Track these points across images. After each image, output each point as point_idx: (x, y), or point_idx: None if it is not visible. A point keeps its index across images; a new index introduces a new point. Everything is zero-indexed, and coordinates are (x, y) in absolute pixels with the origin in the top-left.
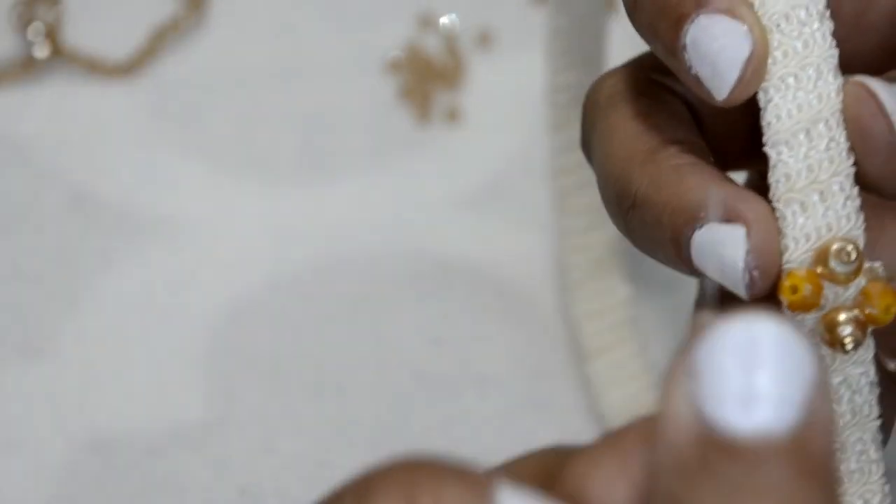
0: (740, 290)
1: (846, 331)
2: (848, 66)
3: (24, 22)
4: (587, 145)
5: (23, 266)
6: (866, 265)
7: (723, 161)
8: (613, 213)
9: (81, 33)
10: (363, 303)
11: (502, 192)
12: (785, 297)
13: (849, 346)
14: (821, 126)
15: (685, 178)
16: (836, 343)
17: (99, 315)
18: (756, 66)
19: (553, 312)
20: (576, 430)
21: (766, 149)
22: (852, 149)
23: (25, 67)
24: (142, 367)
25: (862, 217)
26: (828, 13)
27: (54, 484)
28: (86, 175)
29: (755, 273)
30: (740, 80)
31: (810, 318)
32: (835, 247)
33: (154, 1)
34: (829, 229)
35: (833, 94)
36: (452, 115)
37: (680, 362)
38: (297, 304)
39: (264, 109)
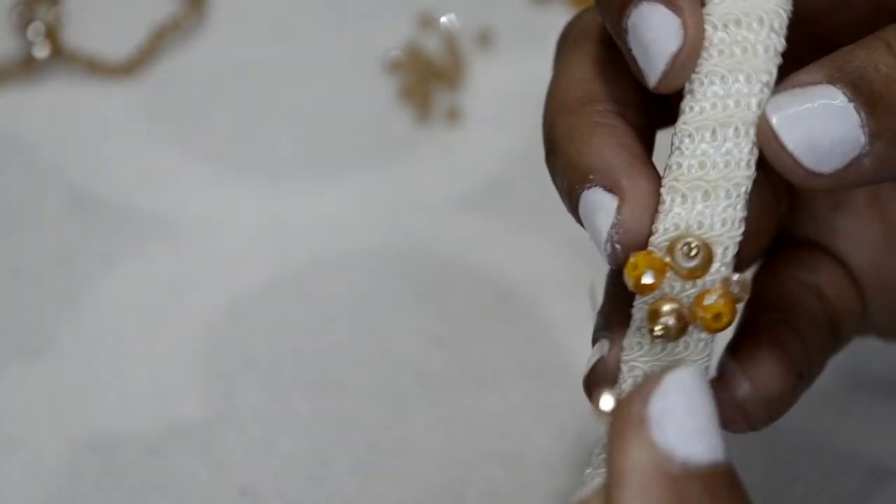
0: (603, 258)
1: (661, 320)
2: (836, 34)
3: (24, 22)
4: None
5: (23, 266)
6: (722, 272)
7: (668, 117)
8: (545, 150)
9: (81, 33)
10: (363, 303)
11: (502, 192)
12: (627, 275)
13: (656, 333)
14: (729, 130)
15: (594, 137)
16: (650, 329)
17: (99, 315)
18: (683, 61)
19: (553, 312)
20: (576, 430)
21: (673, 135)
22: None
23: (25, 67)
24: (142, 367)
25: (741, 228)
26: (783, 32)
27: (54, 484)
28: (86, 175)
29: (616, 246)
30: (666, 71)
31: (648, 300)
32: (682, 241)
33: (154, 1)
34: (699, 227)
35: (753, 106)
36: (452, 115)
37: (626, 421)
38: (297, 303)
39: (264, 109)
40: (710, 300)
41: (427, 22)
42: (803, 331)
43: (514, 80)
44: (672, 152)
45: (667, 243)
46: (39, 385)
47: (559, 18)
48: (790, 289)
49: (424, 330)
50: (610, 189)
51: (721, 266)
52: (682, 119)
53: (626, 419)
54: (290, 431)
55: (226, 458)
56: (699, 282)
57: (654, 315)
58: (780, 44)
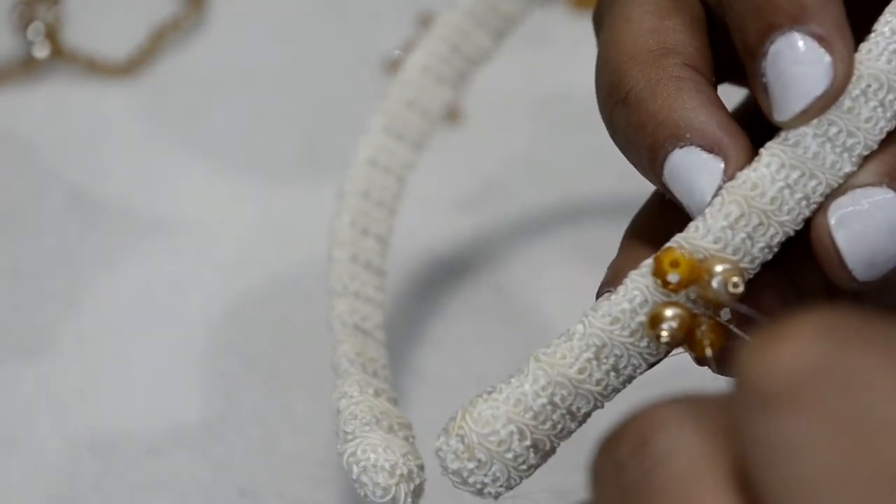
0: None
1: (665, 326)
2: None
3: (24, 22)
4: (599, 19)
5: (23, 266)
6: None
7: (724, 72)
8: (601, 102)
9: (81, 33)
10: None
11: (502, 192)
12: (661, 258)
13: (663, 339)
14: (811, 182)
15: (683, 93)
16: (656, 336)
17: (99, 315)
18: (822, 105)
19: (552, 313)
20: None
21: (765, 150)
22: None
23: (25, 67)
24: (142, 367)
25: (751, 275)
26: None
27: (54, 484)
28: (86, 175)
29: None
30: (804, 111)
31: (657, 293)
32: (732, 271)
33: (154, 1)
34: (735, 253)
35: (842, 171)
36: (452, 115)
37: None
38: (297, 304)
39: (264, 109)
40: (701, 336)
41: (427, 22)
42: (801, 287)
43: (514, 80)
44: (757, 159)
45: (710, 255)
46: (39, 385)
47: (559, 18)
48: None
49: (424, 330)
50: (710, 150)
51: None
52: (781, 142)
53: None
54: (290, 431)
55: (226, 458)
56: (709, 309)
57: (657, 319)
58: (892, 126)
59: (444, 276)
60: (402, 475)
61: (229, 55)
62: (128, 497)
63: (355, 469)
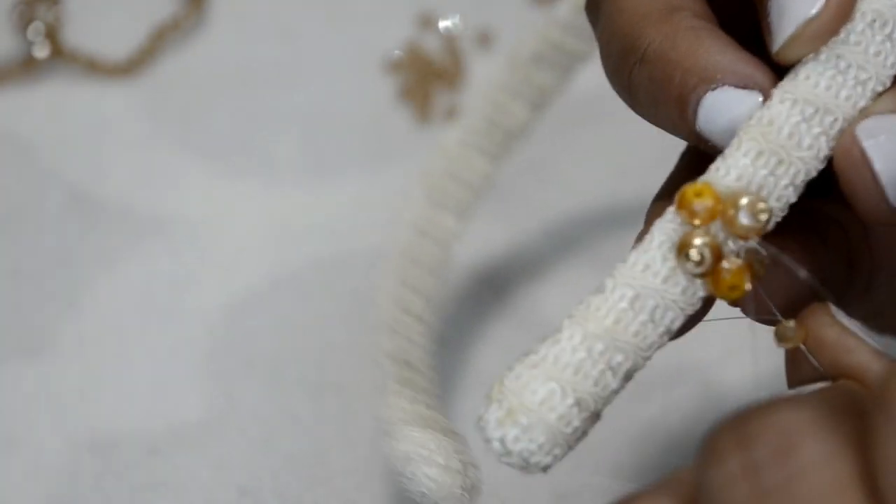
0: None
1: (694, 252)
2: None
3: (24, 22)
4: (594, 5)
5: (23, 266)
6: (754, 242)
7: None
8: (615, 70)
9: (81, 33)
10: (363, 303)
11: (502, 192)
12: (683, 191)
13: (693, 260)
14: (828, 118)
15: (703, 39)
16: (680, 252)
17: (99, 315)
18: (815, 30)
19: (552, 312)
20: None
21: (777, 89)
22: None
23: (25, 67)
24: (142, 367)
25: (783, 213)
26: None
27: (54, 484)
28: (86, 175)
29: None
30: (793, 36)
31: (684, 226)
32: (757, 199)
33: (154, 1)
34: (760, 189)
35: (857, 105)
36: (452, 116)
37: None
38: (297, 303)
39: (264, 109)
40: (730, 266)
41: (427, 22)
42: (828, 245)
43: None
44: (771, 100)
45: (732, 190)
46: (39, 384)
47: None
48: (826, 217)
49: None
50: (744, 86)
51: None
52: (791, 82)
53: (830, 330)
54: (290, 431)
55: (226, 458)
56: (738, 241)
57: (685, 246)
58: None
59: (444, 276)
60: (456, 470)
61: (229, 55)
62: (128, 497)
63: (410, 466)
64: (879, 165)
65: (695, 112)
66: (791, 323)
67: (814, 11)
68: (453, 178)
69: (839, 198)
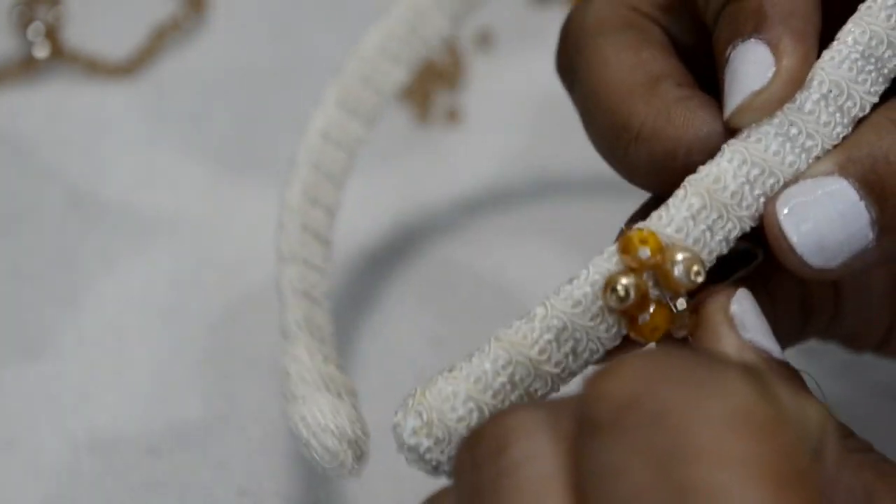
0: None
1: (620, 287)
2: None
3: (24, 22)
4: (568, 70)
5: (23, 266)
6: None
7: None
8: (608, 146)
9: (81, 33)
10: (363, 303)
11: (502, 192)
12: (629, 236)
13: (619, 295)
14: (770, 180)
15: (696, 110)
16: (607, 287)
17: (99, 315)
18: (764, 102)
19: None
20: None
21: (728, 146)
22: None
23: (25, 67)
24: (142, 367)
25: (709, 265)
26: (863, 112)
27: (54, 484)
28: (86, 175)
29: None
30: (739, 107)
31: (617, 262)
32: (695, 260)
33: (154, 1)
34: (695, 243)
35: (797, 168)
36: (452, 115)
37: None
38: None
39: (264, 109)
40: (654, 310)
41: None
42: (774, 300)
43: (513, 81)
44: (717, 159)
45: (672, 241)
46: (39, 385)
47: (559, 18)
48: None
49: (424, 330)
50: None
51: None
52: (744, 140)
53: (715, 317)
54: (289, 431)
55: (226, 458)
56: (664, 292)
57: (612, 282)
58: (849, 132)
59: (444, 276)
60: (349, 441)
61: (229, 55)
62: (128, 497)
63: (304, 432)
64: (794, 236)
65: None
66: (685, 308)
67: (760, 85)
68: (365, 84)
69: None
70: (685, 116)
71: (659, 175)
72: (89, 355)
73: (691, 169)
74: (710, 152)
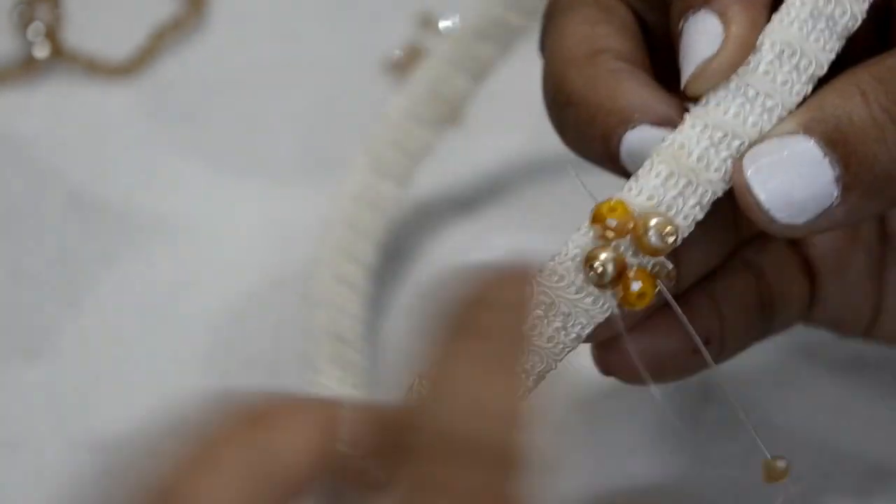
0: None
1: (598, 264)
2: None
3: (24, 22)
4: (540, 45)
5: (23, 266)
6: (660, 258)
7: (665, 78)
8: (549, 109)
9: (81, 33)
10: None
11: (502, 192)
12: (598, 207)
13: (596, 271)
14: (735, 142)
15: (622, 81)
16: (586, 265)
17: (99, 315)
18: (716, 69)
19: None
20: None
21: (689, 115)
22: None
23: (25, 67)
24: (142, 367)
25: (689, 231)
26: (814, 82)
27: (54, 484)
28: (86, 175)
29: None
30: (694, 74)
31: (596, 241)
32: (665, 222)
33: (154, 1)
34: (669, 209)
35: (763, 130)
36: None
37: None
38: (297, 304)
39: (264, 109)
40: (635, 276)
41: (427, 22)
42: (721, 302)
43: (514, 81)
44: (680, 127)
45: (644, 209)
46: (39, 385)
47: None
48: (725, 263)
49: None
50: (660, 123)
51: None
52: (703, 106)
53: None
54: None
55: None
56: (645, 259)
57: (591, 259)
58: (809, 91)
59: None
60: None
61: (229, 55)
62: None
63: None
64: (762, 194)
65: (617, 149)
66: (669, 269)
67: (711, 53)
68: (395, 147)
69: (756, 240)
70: (610, 86)
71: (583, 141)
72: (89, 355)
73: (607, 137)
74: (626, 121)
